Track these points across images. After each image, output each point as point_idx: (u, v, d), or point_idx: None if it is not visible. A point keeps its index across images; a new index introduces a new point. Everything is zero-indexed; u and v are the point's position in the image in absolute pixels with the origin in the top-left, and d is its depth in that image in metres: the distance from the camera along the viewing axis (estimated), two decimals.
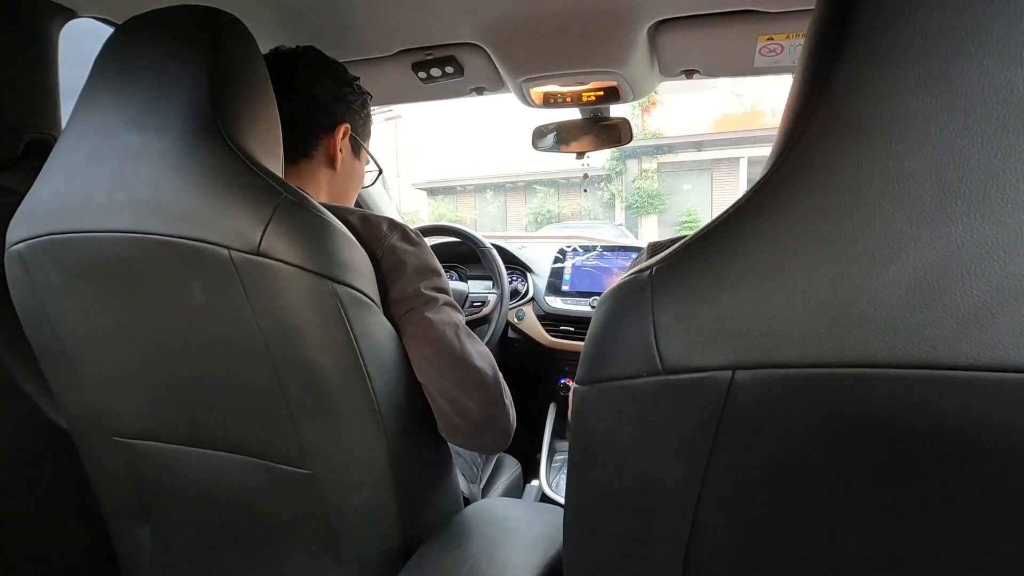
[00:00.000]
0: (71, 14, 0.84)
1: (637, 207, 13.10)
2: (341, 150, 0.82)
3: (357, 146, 0.86)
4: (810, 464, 0.31)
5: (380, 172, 0.96)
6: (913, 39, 0.28)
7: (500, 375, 0.76)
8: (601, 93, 1.11)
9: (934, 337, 0.26)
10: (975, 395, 0.26)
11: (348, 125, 0.82)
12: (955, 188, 0.26)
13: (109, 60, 0.60)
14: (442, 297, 0.72)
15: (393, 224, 0.72)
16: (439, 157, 15.39)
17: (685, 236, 0.49)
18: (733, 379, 0.31)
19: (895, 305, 0.27)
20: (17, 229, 0.60)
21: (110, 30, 0.89)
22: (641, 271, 0.35)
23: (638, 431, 0.37)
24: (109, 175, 0.56)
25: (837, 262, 0.28)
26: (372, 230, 0.69)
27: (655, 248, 0.49)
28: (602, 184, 13.47)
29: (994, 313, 0.25)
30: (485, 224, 14.97)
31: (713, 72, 1.04)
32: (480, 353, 0.74)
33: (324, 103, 0.79)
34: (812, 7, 0.84)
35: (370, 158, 0.91)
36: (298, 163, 0.79)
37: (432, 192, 15.75)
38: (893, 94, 0.28)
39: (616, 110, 1.28)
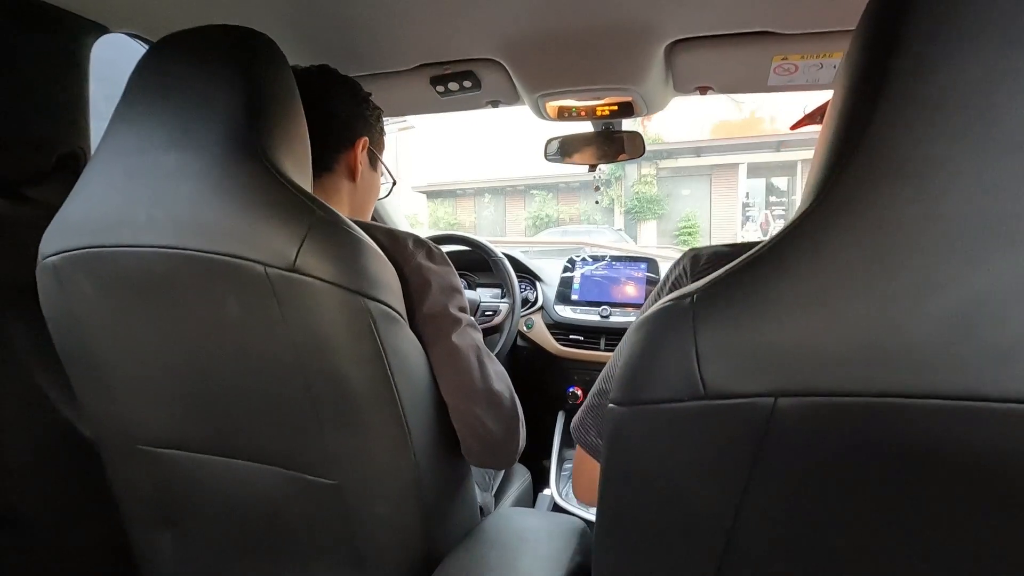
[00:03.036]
0: (103, 30, 0.86)
1: (636, 212, 13.13)
2: (360, 163, 0.84)
3: (374, 159, 0.88)
4: (848, 492, 0.32)
5: (394, 183, 0.99)
6: (949, 89, 0.29)
7: (515, 395, 0.79)
8: (615, 108, 1.12)
9: (974, 370, 0.27)
10: (1014, 426, 0.27)
11: (367, 139, 0.84)
12: (992, 230, 0.28)
13: (145, 78, 0.61)
14: (465, 318, 0.74)
15: (418, 242, 0.73)
16: (439, 160, 15.41)
17: (725, 245, 0.50)
18: (775, 406, 0.32)
19: (935, 339, 0.28)
20: (51, 242, 0.61)
21: (133, 42, 0.90)
22: (682, 297, 0.37)
23: (676, 453, 0.38)
24: (147, 192, 0.57)
25: (878, 296, 0.29)
26: (399, 247, 0.71)
27: (696, 259, 0.50)
28: (602, 189, 13.49)
29: None
30: (484, 228, 14.98)
31: (727, 89, 1.06)
32: (498, 375, 0.76)
33: (344, 119, 0.82)
34: (828, 29, 0.84)
35: (385, 170, 0.93)
36: (320, 177, 0.81)
37: (431, 195, 15.76)
38: (931, 139, 0.29)
39: (627, 123, 1.29)
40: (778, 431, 0.32)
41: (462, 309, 0.75)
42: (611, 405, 0.41)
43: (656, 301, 0.43)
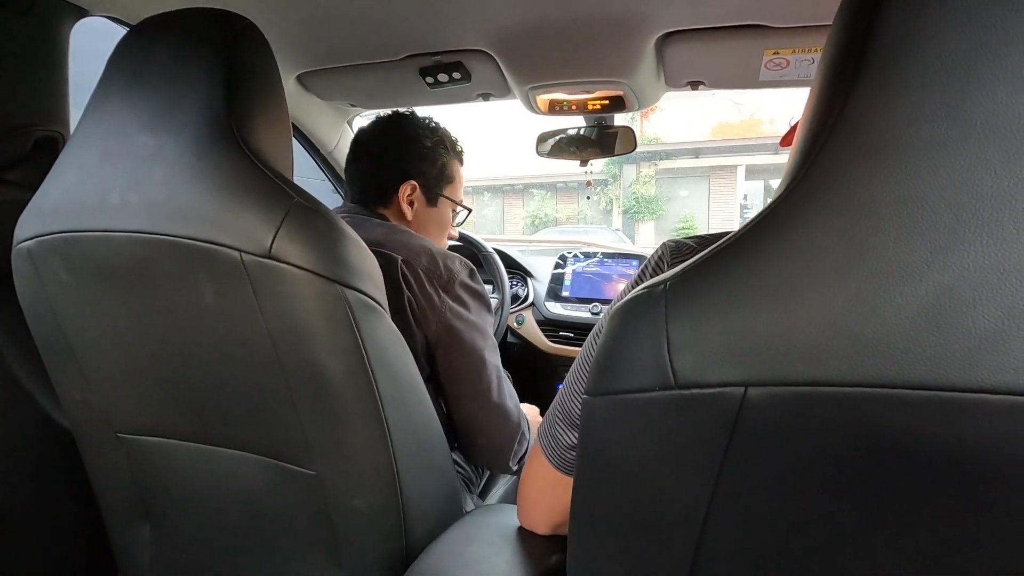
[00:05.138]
0: (83, 12, 0.85)
1: (634, 212, 13.14)
2: (411, 203, 0.94)
3: (433, 196, 0.96)
4: (819, 482, 0.32)
5: (469, 212, 1.06)
6: (930, 67, 0.28)
7: (522, 414, 0.93)
8: (607, 102, 1.12)
9: (946, 360, 0.27)
10: (986, 417, 0.26)
11: (415, 183, 0.93)
12: (968, 214, 0.27)
13: (123, 61, 0.60)
14: (491, 364, 0.87)
15: (451, 277, 0.85)
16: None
17: (704, 235, 0.50)
18: (745, 395, 0.31)
19: (908, 327, 0.27)
20: (26, 226, 0.60)
21: (116, 27, 0.89)
22: (655, 285, 0.36)
23: (648, 444, 0.37)
24: (122, 176, 0.56)
25: (851, 283, 0.29)
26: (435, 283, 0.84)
27: (675, 249, 0.49)
28: (599, 189, 13.50)
29: (1006, 337, 0.26)
30: (483, 227, 14.99)
31: (718, 84, 1.05)
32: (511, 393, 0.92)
33: (392, 162, 0.92)
34: (819, 23, 0.84)
35: (453, 204, 1.01)
36: (380, 211, 0.93)
37: None
38: (909, 121, 0.28)
39: (619, 118, 1.29)
40: (749, 422, 0.32)
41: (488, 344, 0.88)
42: (585, 396, 0.40)
43: (632, 290, 0.43)
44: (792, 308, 0.30)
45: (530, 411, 1.21)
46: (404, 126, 0.94)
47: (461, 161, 1.01)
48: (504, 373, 0.91)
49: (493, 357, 0.88)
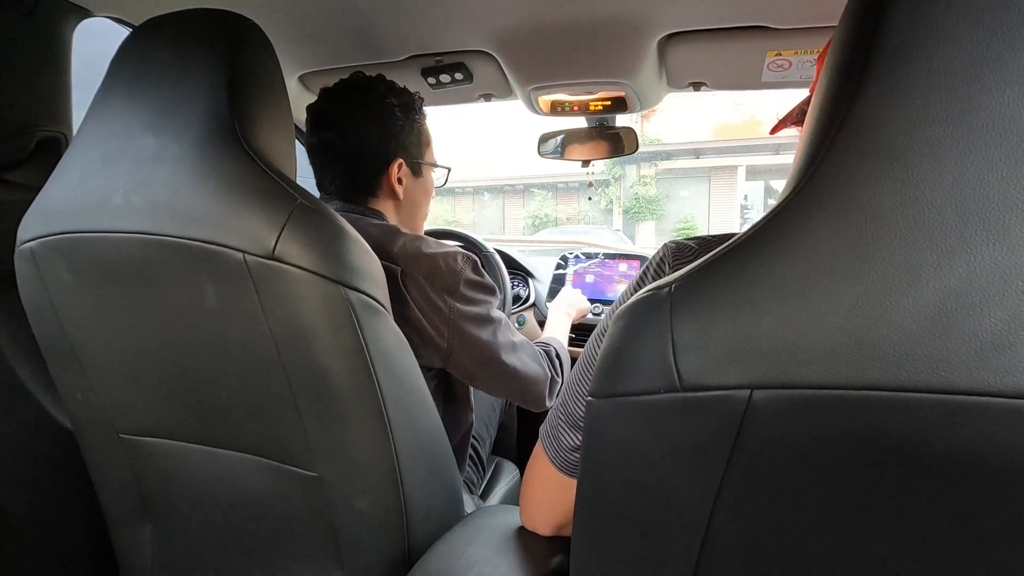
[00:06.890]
0: (86, 13, 0.85)
1: (635, 212, 13.15)
2: (400, 181, 0.89)
3: (416, 166, 0.92)
4: (825, 485, 0.32)
5: (449, 171, 1.03)
6: (936, 71, 0.28)
7: (537, 364, 0.94)
8: (608, 103, 1.12)
9: (952, 363, 0.27)
10: (992, 421, 0.26)
11: (401, 160, 0.88)
12: (975, 218, 0.27)
13: (126, 61, 0.60)
14: (503, 345, 0.87)
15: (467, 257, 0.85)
16: (438, 158, 15.39)
17: (706, 236, 0.50)
18: (751, 398, 0.31)
19: (915, 331, 0.27)
20: (29, 227, 0.60)
21: (119, 27, 0.89)
22: (660, 288, 0.36)
23: (653, 446, 0.37)
24: (125, 176, 0.56)
25: (857, 286, 0.29)
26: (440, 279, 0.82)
27: (676, 249, 0.49)
28: (600, 189, 13.51)
29: (1013, 341, 0.26)
30: (483, 227, 14.99)
31: (721, 85, 1.05)
32: (523, 354, 0.92)
33: (373, 148, 0.86)
34: (822, 24, 0.84)
35: (433, 166, 0.97)
36: (368, 202, 0.88)
37: None
38: (915, 124, 0.28)
39: (621, 119, 1.29)
40: (754, 424, 0.32)
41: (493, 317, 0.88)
42: (589, 398, 0.40)
43: (635, 292, 0.43)
44: (798, 311, 0.30)
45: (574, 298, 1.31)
46: (372, 100, 0.85)
47: (424, 114, 0.95)
48: (519, 339, 0.92)
49: (504, 335, 0.88)
